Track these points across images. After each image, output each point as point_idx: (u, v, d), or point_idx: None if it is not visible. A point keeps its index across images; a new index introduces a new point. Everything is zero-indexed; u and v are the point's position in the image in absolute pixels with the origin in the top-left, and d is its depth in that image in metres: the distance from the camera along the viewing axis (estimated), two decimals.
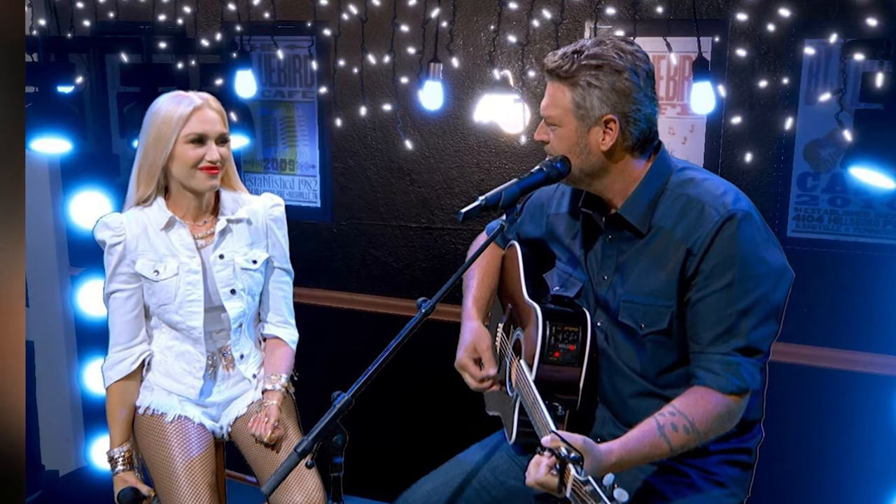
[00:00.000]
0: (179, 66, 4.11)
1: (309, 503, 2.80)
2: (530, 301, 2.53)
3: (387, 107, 4.16)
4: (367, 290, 4.44)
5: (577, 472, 1.89)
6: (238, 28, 4.20)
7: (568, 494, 1.93)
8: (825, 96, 3.37)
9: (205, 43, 4.21)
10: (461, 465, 2.71)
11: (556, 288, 2.61)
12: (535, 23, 3.79)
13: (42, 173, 4.60)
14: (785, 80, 3.46)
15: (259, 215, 3.07)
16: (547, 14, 3.75)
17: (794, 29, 3.42)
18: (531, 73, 3.83)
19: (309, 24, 4.20)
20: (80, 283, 4.21)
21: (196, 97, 2.90)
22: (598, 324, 2.47)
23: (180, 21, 4.30)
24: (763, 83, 3.49)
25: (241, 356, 3.07)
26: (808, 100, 3.47)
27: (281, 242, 3.12)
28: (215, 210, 3.04)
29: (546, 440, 2.03)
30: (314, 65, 4.31)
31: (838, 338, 3.53)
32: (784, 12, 3.38)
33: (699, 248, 2.26)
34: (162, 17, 4.32)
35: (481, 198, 2.28)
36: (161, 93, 3.01)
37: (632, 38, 2.79)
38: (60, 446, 4.80)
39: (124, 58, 4.11)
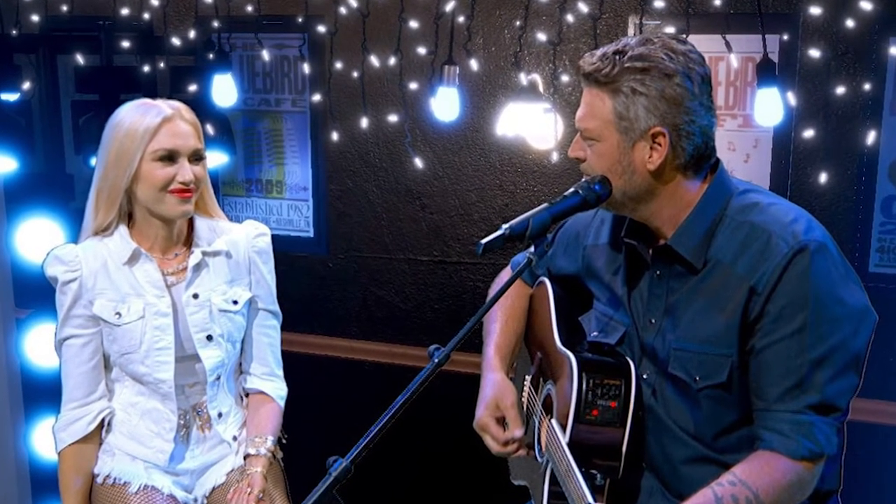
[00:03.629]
0: (146, 68, 4.13)
1: None
2: (563, 349, 2.56)
3: (392, 118, 4.20)
4: (369, 337, 4.46)
5: None
6: (215, 24, 4.24)
7: None
8: None
9: (176, 42, 4.25)
10: None
11: (594, 333, 2.63)
12: (570, 18, 3.82)
13: None
14: (866, 86, 3.49)
15: (240, 247, 3.10)
16: (583, 7, 3.78)
17: (877, 25, 3.45)
18: (564, 78, 3.87)
19: (300, 20, 4.23)
20: (27, 328, 4.24)
21: (165, 106, 2.93)
22: (644, 376, 2.49)
23: (147, 16, 4.34)
24: (840, 90, 3.52)
25: (220, 415, 3.09)
26: (893, 109, 3.49)
27: (266, 279, 3.14)
28: (188, 241, 3.07)
29: None
30: (306, 68, 4.35)
31: None
32: (865, 5, 3.40)
33: (765, 286, 2.27)
34: (125, 11, 4.35)
35: (505, 226, 2.28)
36: (124, 101, 3.05)
37: (684, 36, 2.83)
38: None
39: (80, 59, 4.15)
